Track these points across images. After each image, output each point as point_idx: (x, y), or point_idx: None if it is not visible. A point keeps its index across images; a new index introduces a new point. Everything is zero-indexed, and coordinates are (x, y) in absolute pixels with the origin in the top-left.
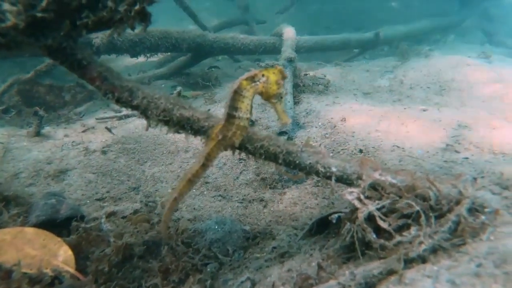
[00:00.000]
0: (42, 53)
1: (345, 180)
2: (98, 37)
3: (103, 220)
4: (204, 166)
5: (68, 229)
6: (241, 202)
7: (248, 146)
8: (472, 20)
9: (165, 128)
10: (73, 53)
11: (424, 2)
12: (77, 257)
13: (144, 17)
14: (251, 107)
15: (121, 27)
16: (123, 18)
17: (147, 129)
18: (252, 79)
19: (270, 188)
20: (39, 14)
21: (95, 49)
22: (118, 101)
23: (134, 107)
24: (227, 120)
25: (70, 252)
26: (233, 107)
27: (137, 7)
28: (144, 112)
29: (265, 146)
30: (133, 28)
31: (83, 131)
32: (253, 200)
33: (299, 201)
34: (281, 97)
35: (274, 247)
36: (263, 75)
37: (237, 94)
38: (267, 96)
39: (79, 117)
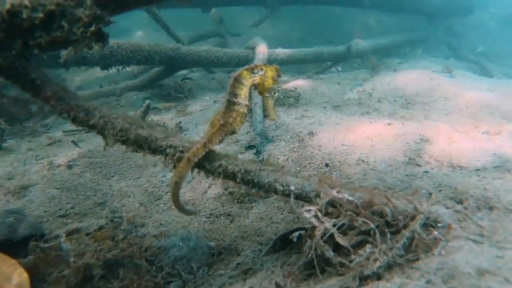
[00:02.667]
0: None
1: (304, 198)
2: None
3: (62, 239)
4: (205, 146)
5: (26, 249)
6: (208, 217)
7: (206, 166)
8: (438, 35)
9: (123, 147)
10: (25, 73)
11: (395, 18)
12: (34, 279)
13: (101, 37)
14: (250, 96)
15: (78, 47)
16: (78, 39)
17: (104, 149)
18: (252, 70)
19: (238, 202)
20: None
21: (63, 62)
22: (74, 120)
23: (91, 127)
24: (228, 107)
25: (25, 275)
26: (233, 93)
27: (92, 28)
28: (101, 132)
29: (223, 165)
30: (90, 48)
31: (49, 145)
32: (220, 214)
33: (265, 215)
34: (274, 93)
35: (239, 263)
36: (261, 69)
37: (237, 81)
38: (262, 89)
39: (45, 130)
